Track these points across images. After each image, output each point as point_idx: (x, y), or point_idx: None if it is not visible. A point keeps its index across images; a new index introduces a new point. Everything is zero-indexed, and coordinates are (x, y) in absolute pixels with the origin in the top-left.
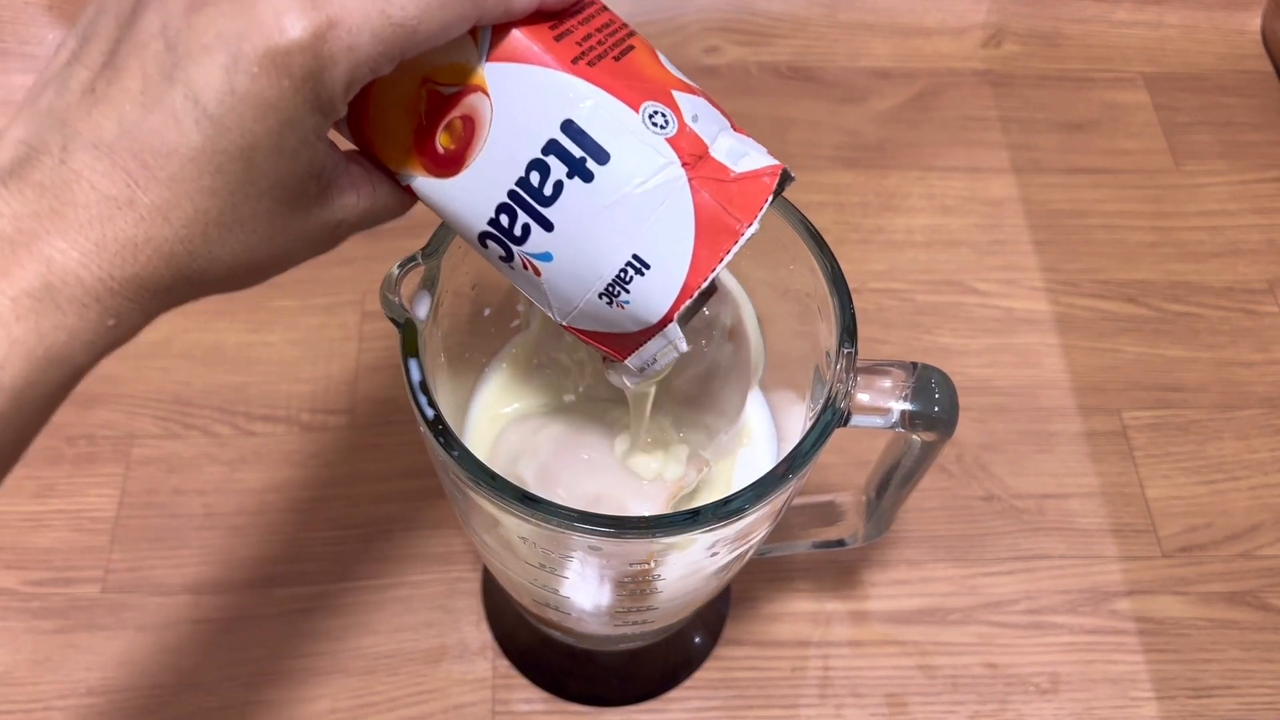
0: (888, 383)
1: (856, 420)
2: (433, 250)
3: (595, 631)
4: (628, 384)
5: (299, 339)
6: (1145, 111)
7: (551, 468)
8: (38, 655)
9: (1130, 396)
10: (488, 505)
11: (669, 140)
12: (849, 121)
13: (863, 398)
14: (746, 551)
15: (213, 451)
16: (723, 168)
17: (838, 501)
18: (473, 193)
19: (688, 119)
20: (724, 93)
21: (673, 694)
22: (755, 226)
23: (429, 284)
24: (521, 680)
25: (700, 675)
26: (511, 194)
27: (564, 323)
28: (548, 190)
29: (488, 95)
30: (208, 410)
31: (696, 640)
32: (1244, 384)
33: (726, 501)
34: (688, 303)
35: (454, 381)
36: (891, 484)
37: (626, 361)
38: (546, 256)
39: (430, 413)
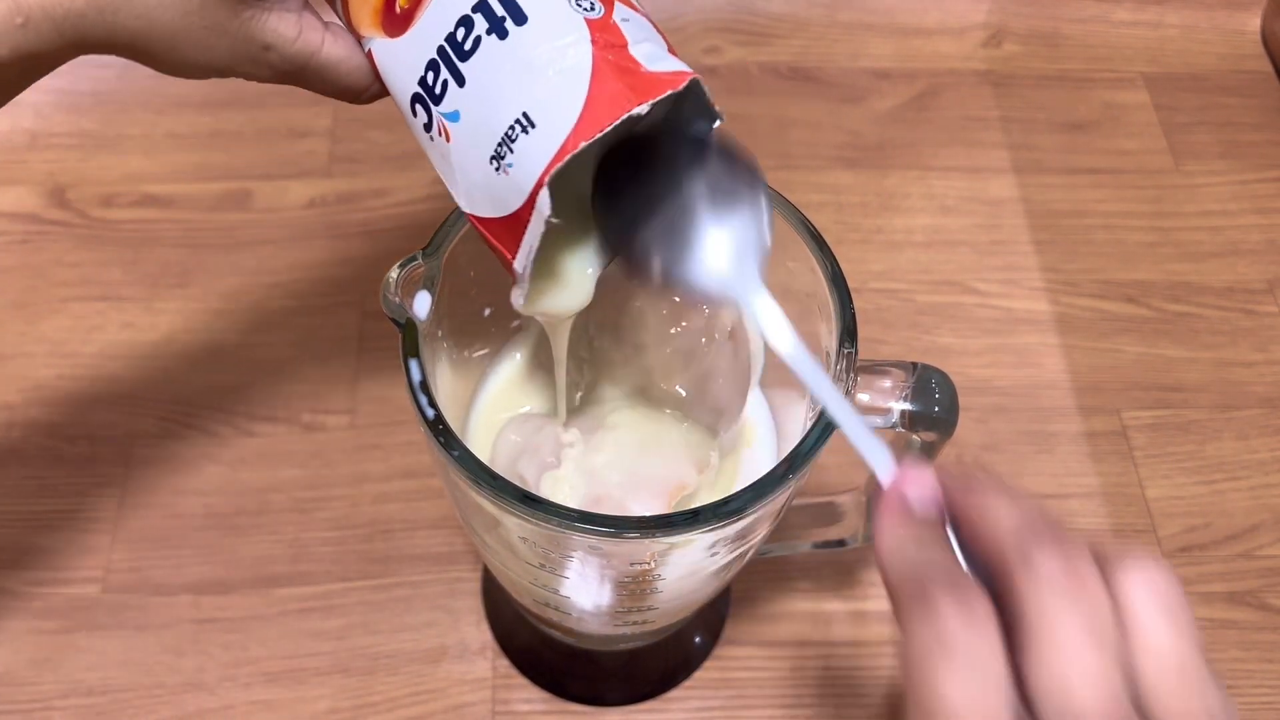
0: (888, 383)
1: None
2: (433, 250)
3: (595, 631)
4: (517, 301)
5: (299, 339)
6: (1145, 111)
7: (552, 468)
8: (38, 655)
9: (1130, 397)
10: (488, 505)
11: (588, 20)
12: (849, 122)
13: (863, 398)
14: (747, 551)
15: (213, 451)
16: (635, 61)
17: (838, 501)
18: (413, 50)
19: (616, 17)
20: (724, 93)
21: (673, 694)
22: (645, 109)
23: (429, 284)
24: (521, 680)
25: (700, 675)
26: (439, 49)
27: (468, 209)
28: (468, 45)
29: None
30: (208, 410)
31: (697, 640)
32: (1244, 384)
33: (726, 501)
34: (558, 166)
35: (454, 381)
36: None
37: (514, 264)
38: (455, 116)
39: (431, 413)
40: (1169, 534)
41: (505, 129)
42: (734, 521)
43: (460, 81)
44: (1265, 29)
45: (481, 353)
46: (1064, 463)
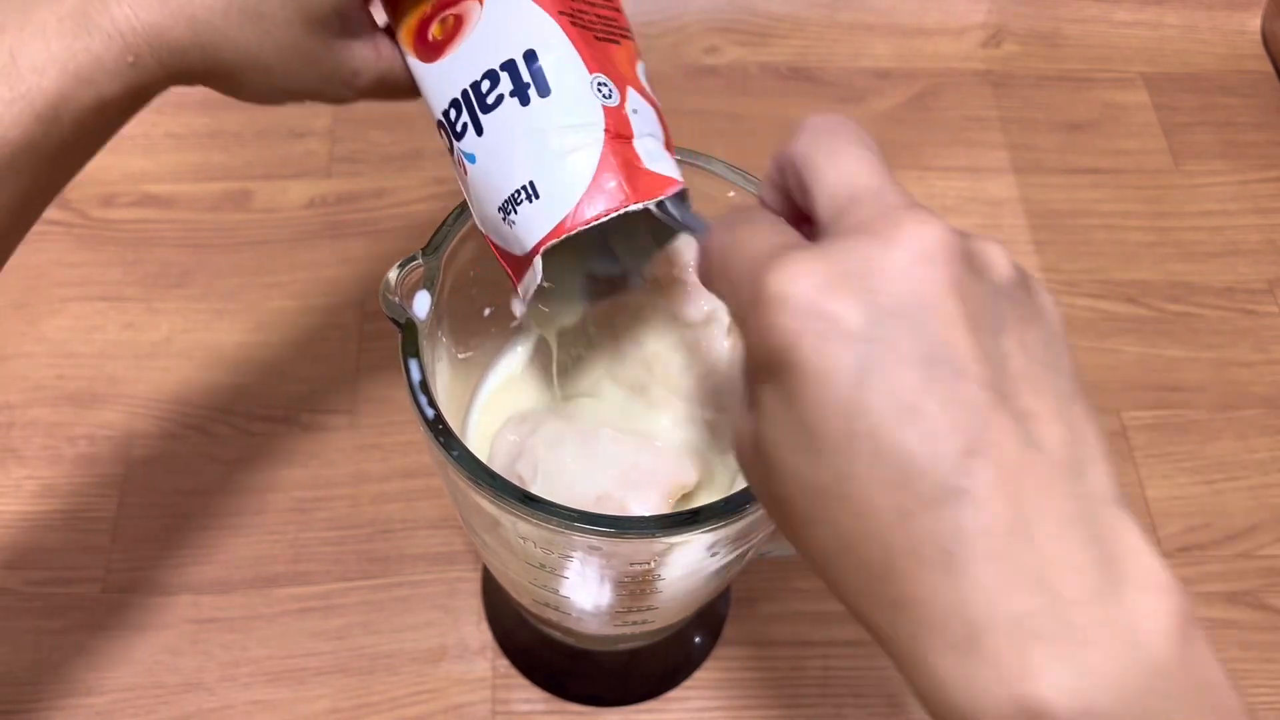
0: None
1: None
2: (433, 250)
3: (595, 631)
4: (516, 310)
5: (299, 339)
6: (1145, 112)
7: (552, 468)
8: (38, 655)
9: (1130, 396)
10: (488, 505)
11: (605, 108)
12: None
13: None
14: (747, 551)
15: (213, 451)
16: (637, 156)
17: None
18: (440, 81)
19: (628, 108)
20: (724, 93)
21: (673, 694)
22: (639, 206)
23: (429, 284)
24: (521, 680)
25: (700, 675)
26: (464, 93)
27: (481, 229)
28: (490, 99)
29: (482, 6)
30: (208, 410)
31: (696, 640)
32: (1243, 384)
33: (727, 501)
34: (554, 242)
35: (454, 381)
36: None
37: (517, 288)
38: (471, 158)
39: (430, 413)
40: (1169, 534)
41: (513, 191)
42: (734, 521)
43: (479, 131)
44: (1265, 29)
45: (481, 353)
46: None
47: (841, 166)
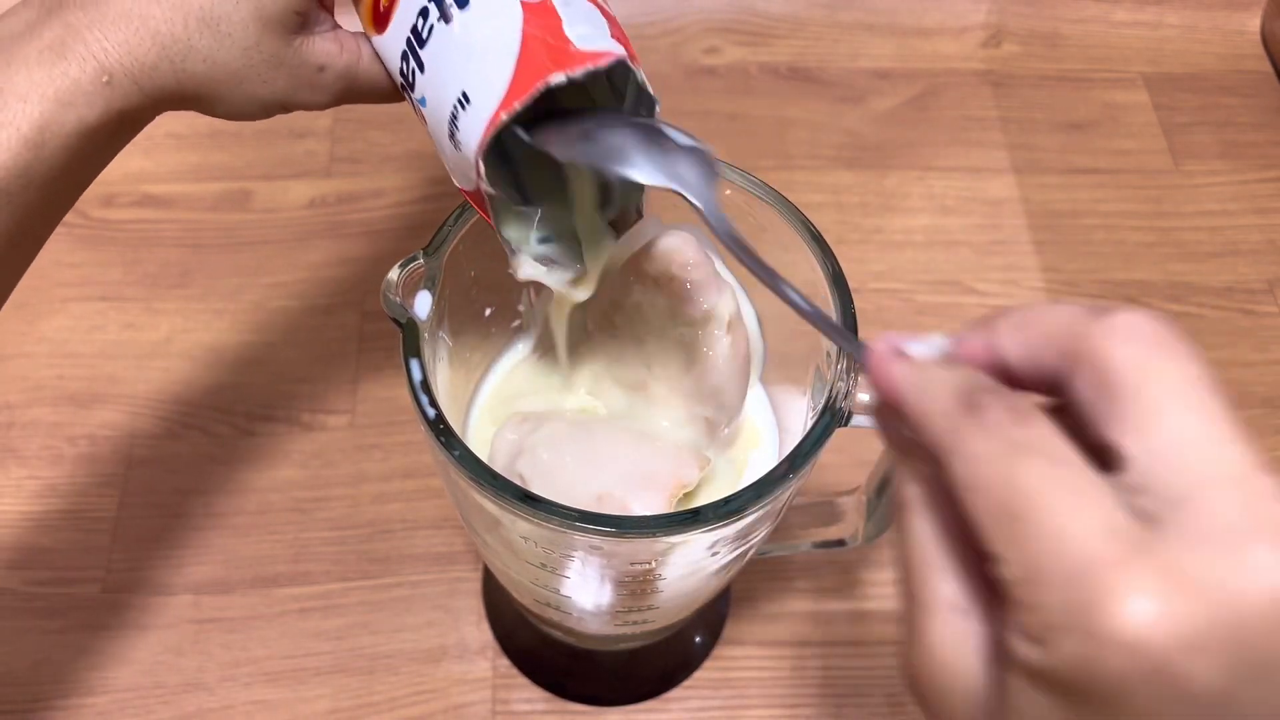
0: None
1: (857, 420)
2: (434, 249)
3: (596, 631)
4: (518, 273)
5: (299, 339)
6: (1145, 112)
7: (552, 467)
8: (38, 655)
9: None
10: (489, 505)
11: (524, 4)
12: (849, 122)
13: (864, 398)
14: (747, 551)
15: (213, 451)
16: (566, 40)
17: (838, 501)
18: (392, 44)
19: (556, 1)
20: (724, 93)
21: (673, 694)
22: (563, 78)
23: (430, 283)
24: (522, 680)
25: (700, 675)
26: (407, 40)
27: (456, 184)
28: (424, 34)
29: None
30: (208, 410)
31: (697, 640)
32: (1244, 384)
33: (727, 501)
34: (490, 137)
35: (455, 381)
36: (892, 484)
37: (501, 234)
38: (424, 101)
39: (431, 413)
40: None
41: (451, 108)
42: (734, 521)
43: (422, 68)
44: (1265, 29)
45: (481, 352)
46: None
47: (1187, 418)
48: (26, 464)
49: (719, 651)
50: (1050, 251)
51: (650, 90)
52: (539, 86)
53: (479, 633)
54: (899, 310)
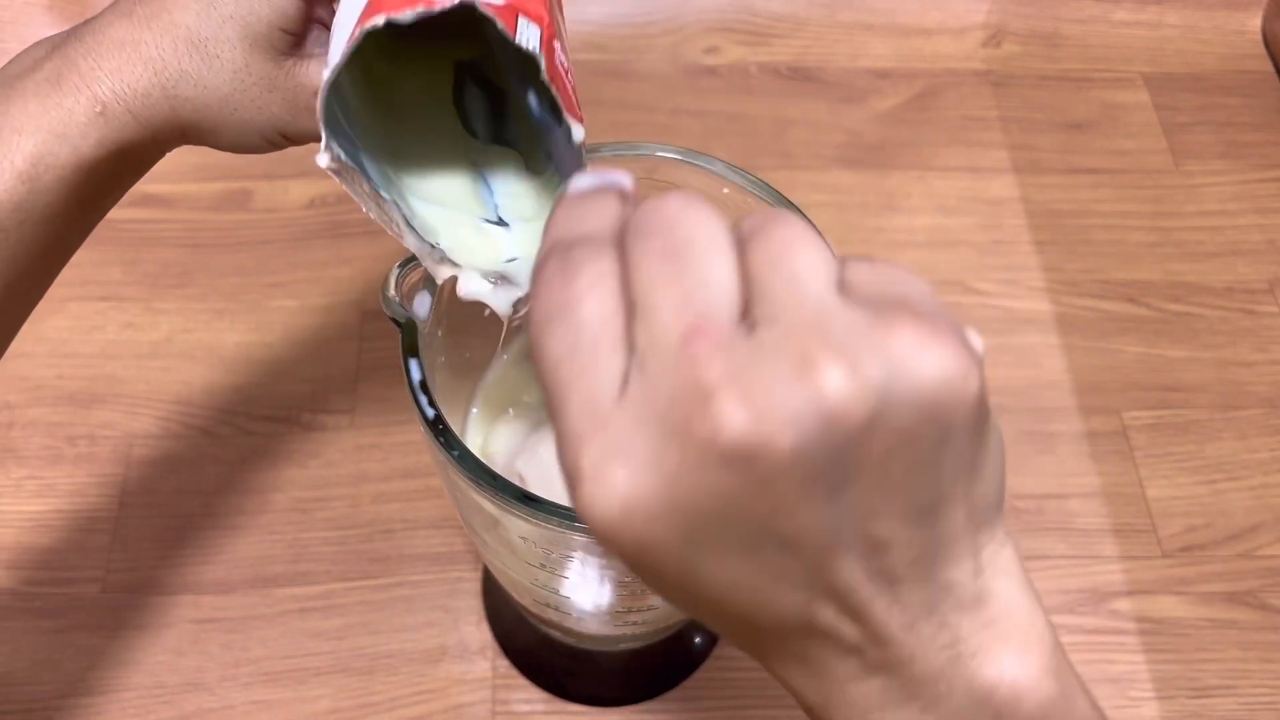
0: None
1: None
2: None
3: (596, 631)
4: (461, 290)
5: (299, 339)
6: (1145, 111)
7: (552, 467)
8: (38, 655)
9: (1130, 396)
10: (488, 505)
11: None
12: (849, 122)
13: None
14: None
15: (213, 451)
16: None
17: None
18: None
19: None
20: (724, 93)
21: (673, 694)
22: (380, 20)
23: (429, 283)
24: (521, 680)
25: (700, 676)
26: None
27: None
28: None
29: None
30: (208, 410)
31: (697, 641)
32: (1244, 384)
33: None
34: (328, 83)
35: (454, 381)
36: None
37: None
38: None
39: (431, 412)
40: (1169, 534)
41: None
42: None
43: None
44: (1265, 29)
45: (481, 352)
46: (1064, 463)
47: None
48: (26, 464)
49: (719, 652)
50: (1051, 251)
51: (517, 41)
52: (356, 36)
53: (479, 633)
54: None
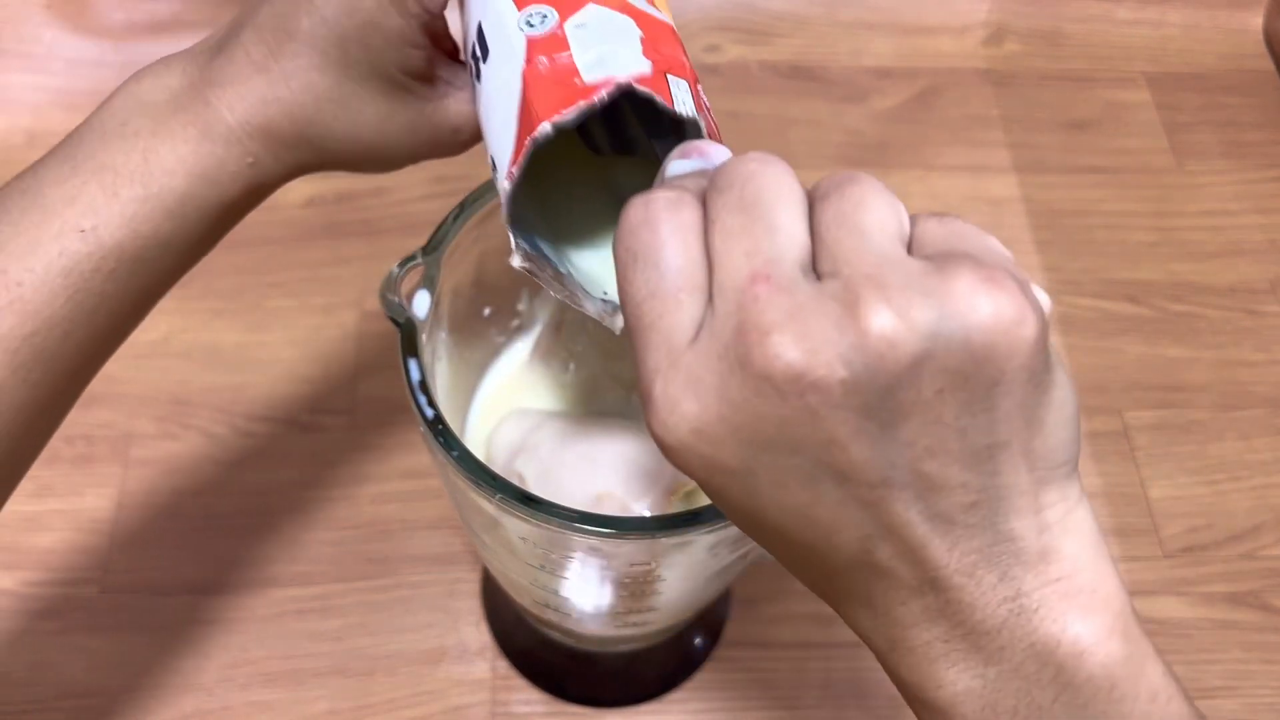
0: None
1: None
2: (433, 249)
3: (596, 633)
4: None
5: (298, 339)
6: (1147, 111)
7: (552, 467)
8: (37, 656)
9: (1132, 396)
10: (487, 506)
11: (530, 39)
12: (850, 121)
13: None
14: (749, 552)
15: (212, 452)
16: (573, 71)
17: None
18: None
19: (569, 26)
20: (724, 92)
21: (673, 696)
22: (549, 129)
23: (429, 283)
24: (521, 681)
25: (701, 677)
26: (471, 48)
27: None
28: (475, 96)
29: None
30: (207, 410)
31: (697, 642)
32: (1246, 384)
33: None
34: (508, 209)
35: (454, 381)
36: None
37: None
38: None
39: (430, 413)
40: (1171, 534)
41: (491, 162)
42: None
43: (479, 78)
44: (1267, 28)
45: (480, 352)
46: None
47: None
48: None
49: (720, 653)
50: (1052, 251)
51: (677, 110)
52: (527, 147)
53: (478, 634)
54: None
